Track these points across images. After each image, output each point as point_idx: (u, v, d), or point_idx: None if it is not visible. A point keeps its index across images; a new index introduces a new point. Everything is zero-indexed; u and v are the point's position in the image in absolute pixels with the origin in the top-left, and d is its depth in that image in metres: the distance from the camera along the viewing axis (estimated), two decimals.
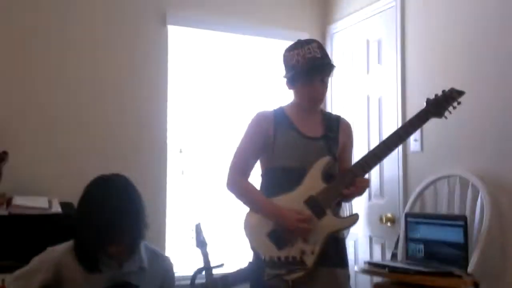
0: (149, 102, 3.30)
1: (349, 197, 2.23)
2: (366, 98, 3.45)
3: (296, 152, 2.20)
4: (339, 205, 2.27)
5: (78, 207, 1.97)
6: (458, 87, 2.25)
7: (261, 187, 2.29)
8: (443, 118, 2.25)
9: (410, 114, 2.29)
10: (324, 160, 2.19)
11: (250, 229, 2.19)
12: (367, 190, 3.21)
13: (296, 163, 2.19)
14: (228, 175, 2.27)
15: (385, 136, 2.27)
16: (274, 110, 2.32)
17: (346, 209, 3.20)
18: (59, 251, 1.97)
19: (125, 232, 1.91)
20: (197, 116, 3.56)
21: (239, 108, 3.63)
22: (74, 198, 2.66)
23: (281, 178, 2.21)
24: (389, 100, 3.24)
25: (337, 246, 2.20)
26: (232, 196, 2.29)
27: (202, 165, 3.52)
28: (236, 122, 3.54)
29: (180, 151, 3.46)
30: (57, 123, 3.05)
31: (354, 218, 2.20)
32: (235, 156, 2.28)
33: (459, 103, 2.23)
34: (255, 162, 2.30)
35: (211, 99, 3.61)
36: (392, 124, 3.13)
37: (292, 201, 2.15)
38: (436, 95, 2.23)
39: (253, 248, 2.18)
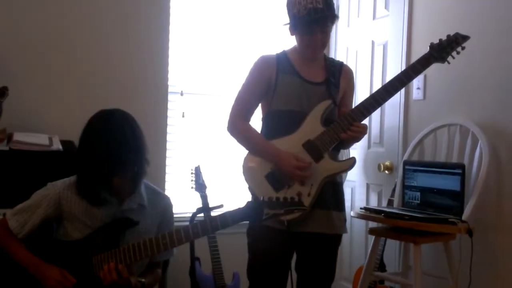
0: (150, 44, 3.24)
1: (347, 142, 2.24)
2: (370, 44, 3.40)
3: (297, 96, 2.21)
4: (337, 149, 2.28)
5: (81, 140, 1.98)
6: (464, 33, 2.21)
7: (261, 130, 2.31)
8: (447, 65, 2.23)
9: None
10: (324, 104, 2.20)
11: (249, 170, 2.23)
12: (366, 138, 3.29)
13: (297, 107, 2.21)
14: (229, 118, 2.28)
15: None
16: (277, 54, 2.31)
17: (344, 156, 3.22)
18: (60, 186, 2.00)
19: (128, 164, 1.94)
20: (198, 59, 3.51)
21: (241, 50, 3.58)
22: (74, 136, 2.69)
23: (281, 122, 2.22)
24: (394, 46, 3.19)
25: (334, 189, 2.24)
26: (232, 139, 2.30)
27: (203, 108, 3.51)
28: (238, 65, 3.50)
29: (181, 94, 3.44)
30: (59, 61, 3.01)
31: (350, 161, 2.22)
32: (236, 100, 2.29)
33: (463, 48, 2.21)
34: (257, 106, 2.31)
35: (214, 41, 3.55)
36: (396, 70, 3.07)
37: (290, 144, 2.17)
38: (440, 40, 2.21)
39: (250, 189, 2.22)
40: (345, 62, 2.44)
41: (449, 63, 2.23)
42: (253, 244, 2.28)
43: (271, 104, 2.24)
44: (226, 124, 2.29)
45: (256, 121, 2.34)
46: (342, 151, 3.00)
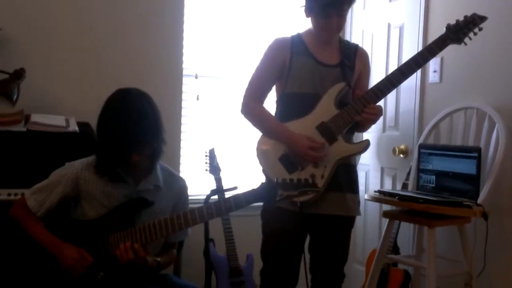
0: (164, 27, 3.25)
1: (362, 125, 2.22)
2: (387, 26, 3.36)
3: (311, 79, 2.20)
4: (351, 132, 2.27)
5: (99, 118, 2.00)
6: (481, 14, 2.18)
7: (275, 112, 2.31)
8: (464, 48, 2.20)
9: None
10: (338, 86, 2.19)
11: (262, 152, 2.23)
12: (381, 121, 3.28)
13: (311, 90, 2.20)
14: (243, 101, 2.29)
15: None
16: (292, 36, 2.30)
17: (358, 139, 3.20)
18: (78, 166, 2.03)
19: (147, 140, 1.96)
20: (213, 41, 3.51)
21: (256, 32, 3.57)
22: (90, 118, 2.72)
23: (295, 104, 2.22)
24: (411, 29, 3.15)
25: (347, 172, 2.24)
26: (246, 122, 2.31)
27: (217, 91, 3.51)
28: (252, 47, 3.49)
29: (196, 77, 3.44)
30: (75, 44, 3.03)
31: (364, 144, 2.21)
32: (250, 82, 2.29)
33: (480, 29, 2.18)
34: (271, 88, 2.31)
35: (228, 24, 3.54)
36: (412, 54, 3.03)
37: (304, 126, 2.17)
38: (457, 20, 2.18)
39: (264, 171, 2.23)
40: (360, 45, 2.42)
41: (465, 44, 2.19)
42: (266, 225, 2.30)
43: (285, 86, 2.24)
44: (240, 107, 2.29)
45: (271, 103, 2.34)
46: (356, 134, 3.01)
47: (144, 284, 1.98)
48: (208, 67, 3.50)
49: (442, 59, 2.91)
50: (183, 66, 3.34)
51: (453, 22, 2.19)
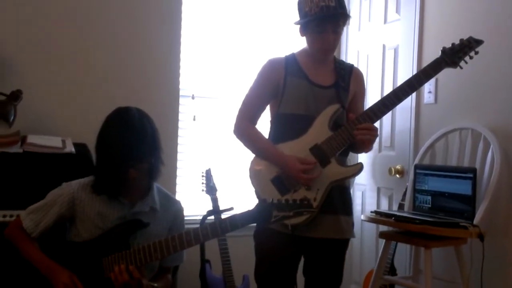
0: (161, 47, 3.27)
1: (358, 146, 2.21)
2: (382, 48, 3.40)
3: (305, 100, 2.20)
4: (345, 154, 2.27)
5: (98, 135, 2.02)
6: (476, 36, 2.20)
7: (269, 132, 2.31)
8: (459, 69, 2.21)
9: (427, 64, 2.25)
10: (332, 108, 2.18)
11: (255, 174, 2.22)
12: (377, 141, 3.27)
13: (305, 111, 2.19)
14: (236, 121, 2.29)
15: None
16: (286, 56, 2.30)
17: (353, 159, 3.21)
18: (74, 186, 2.03)
19: (144, 155, 1.96)
20: (210, 62, 3.53)
21: (253, 53, 3.60)
22: (87, 139, 2.73)
23: (289, 125, 2.22)
24: (406, 50, 3.18)
25: (341, 193, 2.22)
26: (239, 143, 2.31)
27: (214, 112, 3.53)
28: (249, 68, 3.51)
29: (192, 97, 3.46)
30: (71, 65, 3.05)
31: (357, 167, 2.19)
32: (244, 102, 2.29)
33: (476, 52, 2.18)
34: (264, 109, 2.31)
35: (225, 45, 3.57)
36: (407, 74, 3.08)
37: (297, 148, 2.16)
38: (453, 44, 2.19)
39: (256, 192, 2.22)
40: (356, 66, 2.44)
41: (461, 68, 2.20)
42: (259, 247, 2.28)
43: (279, 107, 2.24)
44: (232, 127, 2.29)
45: (264, 123, 2.34)
46: (351, 154, 3.01)
47: None
48: (205, 87, 3.52)
49: (437, 80, 2.94)
50: (180, 86, 3.36)
51: (447, 44, 2.20)
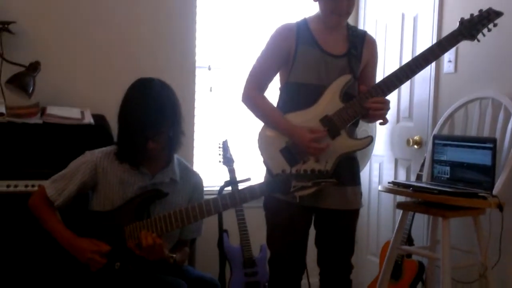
0: (177, 18, 3.25)
1: (368, 117, 2.18)
2: (400, 16, 3.33)
3: (316, 70, 2.16)
4: (355, 125, 2.24)
5: (121, 104, 2.03)
6: (497, 8, 2.13)
7: (278, 101, 2.27)
8: (481, 39, 2.16)
9: (447, 34, 2.20)
10: (344, 78, 2.14)
11: (264, 143, 2.20)
12: (395, 112, 3.26)
13: (316, 81, 2.16)
14: (244, 89, 2.25)
15: None
16: (297, 23, 2.23)
17: (370, 131, 3.18)
18: (97, 154, 2.06)
19: (163, 127, 1.97)
20: (226, 33, 3.51)
21: (269, 23, 3.55)
22: (105, 110, 2.75)
23: (299, 95, 2.18)
24: (425, 19, 3.11)
25: (349, 164, 2.21)
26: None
27: (231, 83, 3.51)
28: (265, 38, 3.47)
29: (209, 68, 3.45)
30: (90, 37, 3.05)
31: (367, 140, 2.17)
32: (252, 70, 2.25)
33: (495, 25, 2.12)
34: (273, 77, 2.26)
35: (240, 15, 3.53)
36: (427, 44, 3.01)
37: (307, 118, 2.14)
38: (471, 15, 2.12)
39: (265, 162, 2.20)
40: (374, 36, 2.38)
41: (479, 41, 2.14)
42: (269, 216, 2.29)
43: (289, 75, 2.20)
44: (240, 96, 2.25)
45: (274, 90, 2.31)
46: (369, 125, 2.98)
47: (161, 275, 1.99)
48: (221, 58, 3.50)
49: (457, 49, 2.88)
50: (196, 58, 3.34)
51: (467, 12, 2.14)
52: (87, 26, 3.04)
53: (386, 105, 2.13)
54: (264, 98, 2.23)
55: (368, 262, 3.49)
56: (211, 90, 3.46)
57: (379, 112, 2.12)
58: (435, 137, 2.71)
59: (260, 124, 2.25)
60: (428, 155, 2.82)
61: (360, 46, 2.22)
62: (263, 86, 2.25)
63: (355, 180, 2.25)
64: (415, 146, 3.16)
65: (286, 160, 2.14)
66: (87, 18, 3.04)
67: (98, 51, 3.07)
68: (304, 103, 2.16)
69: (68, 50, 3.00)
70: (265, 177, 2.25)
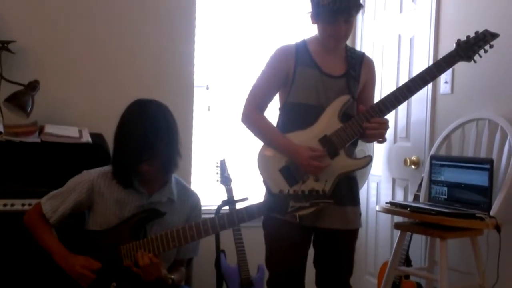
0: (176, 37, 3.28)
1: (366, 137, 2.19)
2: (397, 38, 3.36)
3: (315, 90, 2.18)
4: (354, 145, 2.25)
5: (118, 124, 2.03)
6: (493, 29, 2.17)
7: (277, 121, 2.29)
8: (473, 62, 2.18)
9: (443, 55, 2.22)
10: (343, 99, 2.16)
11: (263, 163, 2.21)
12: (392, 132, 3.27)
13: (314, 101, 2.17)
14: (244, 109, 2.26)
15: None
16: (296, 44, 2.26)
17: (368, 151, 3.20)
18: (94, 174, 2.05)
19: (157, 151, 1.96)
20: (224, 52, 3.53)
21: (267, 42, 3.59)
22: (103, 129, 2.76)
23: (298, 115, 2.20)
24: (421, 40, 3.15)
25: (348, 184, 2.22)
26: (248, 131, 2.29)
27: (229, 102, 3.53)
28: (263, 58, 3.49)
29: (207, 88, 3.46)
30: (88, 56, 3.07)
31: (366, 160, 2.19)
32: (252, 90, 2.27)
33: (491, 46, 2.15)
34: (272, 97, 2.28)
35: (239, 34, 3.56)
36: (423, 65, 3.04)
37: (306, 138, 2.15)
38: (468, 37, 2.15)
39: (265, 182, 2.21)
40: (371, 56, 2.41)
41: (475, 61, 2.17)
42: (268, 236, 2.29)
43: (288, 95, 2.22)
44: (240, 116, 2.27)
45: (273, 110, 2.33)
46: (367, 144, 3.00)
47: None
48: (220, 78, 3.52)
49: (453, 70, 2.90)
50: (194, 77, 3.36)
51: (465, 34, 2.17)
52: (86, 46, 3.07)
53: (385, 125, 2.15)
54: (264, 118, 2.25)
55: (366, 282, 3.47)
56: (209, 109, 3.47)
57: (378, 132, 2.13)
58: (432, 158, 2.72)
59: (259, 143, 2.26)
60: (425, 176, 2.82)
61: (358, 67, 2.25)
62: (263, 106, 2.27)
63: (355, 200, 2.25)
64: (413, 166, 3.17)
65: (285, 179, 2.15)
66: (86, 38, 3.06)
67: (96, 71, 3.09)
68: (303, 123, 2.17)
69: (67, 69, 3.02)
70: (265, 196, 2.25)
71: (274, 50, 2.27)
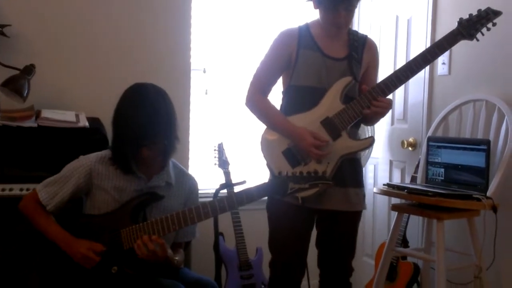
0: (173, 21, 3.25)
1: (370, 118, 2.21)
2: (395, 19, 3.35)
3: (317, 72, 2.19)
4: (357, 126, 2.26)
5: (115, 110, 2.02)
6: (495, 7, 2.16)
7: (281, 104, 2.30)
8: (475, 41, 2.18)
9: (441, 36, 2.21)
10: (344, 80, 2.17)
11: (266, 145, 2.23)
12: (389, 114, 3.27)
13: (317, 83, 2.18)
14: (248, 93, 2.28)
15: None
16: (299, 27, 2.27)
17: (367, 132, 3.21)
18: (92, 159, 2.05)
19: (157, 135, 1.96)
20: (221, 36, 3.51)
21: (265, 26, 3.56)
22: (100, 113, 2.75)
23: (301, 97, 2.21)
24: (419, 21, 3.13)
25: (351, 166, 2.22)
26: (254, 115, 2.31)
27: (226, 85, 3.52)
28: (260, 41, 3.49)
29: (204, 71, 3.45)
30: (84, 40, 3.04)
31: (369, 141, 2.20)
32: (255, 75, 2.28)
33: (494, 24, 2.14)
34: (276, 81, 2.30)
35: (236, 17, 3.54)
36: (421, 46, 3.04)
37: (309, 120, 2.16)
38: (470, 15, 2.15)
39: (268, 165, 2.23)
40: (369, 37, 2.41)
41: (477, 40, 2.16)
42: (272, 218, 2.31)
43: (291, 78, 2.23)
44: (244, 100, 2.28)
45: (277, 94, 2.33)
46: (366, 127, 3.00)
47: (158, 278, 1.99)
48: (217, 61, 3.50)
49: (451, 51, 2.89)
50: (191, 60, 3.34)
51: (461, 15, 2.16)
52: (82, 30, 3.04)
53: (389, 105, 2.16)
54: (268, 101, 2.26)
55: (363, 263, 3.50)
56: (206, 93, 3.46)
57: (380, 111, 2.14)
58: (429, 139, 2.72)
59: (256, 126, 2.27)
60: (422, 157, 2.83)
61: (361, 50, 2.26)
62: (266, 90, 2.28)
63: (358, 181, 2.26)
64: (410, 148, 3.18)
65: (288, 161, 2.17)
66: (82, 21, 3.03)
67: (93, 54, 3.07)
68: (306, 106, 2.18)
69: (63, 53, 2.99)
70: (269, 179, 2.25)
71: (277, 34, 2.27)
